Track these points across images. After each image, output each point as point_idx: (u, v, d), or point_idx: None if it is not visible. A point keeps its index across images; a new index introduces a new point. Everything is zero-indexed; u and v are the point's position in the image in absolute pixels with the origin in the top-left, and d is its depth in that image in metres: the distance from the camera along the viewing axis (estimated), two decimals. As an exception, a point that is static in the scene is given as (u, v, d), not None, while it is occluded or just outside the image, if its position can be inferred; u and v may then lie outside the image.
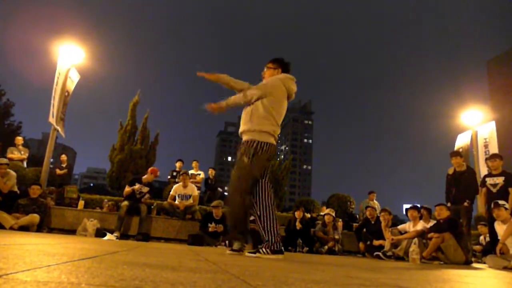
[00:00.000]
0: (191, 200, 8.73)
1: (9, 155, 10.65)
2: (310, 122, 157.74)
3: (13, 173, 7.92)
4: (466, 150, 12.18)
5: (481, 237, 9.74)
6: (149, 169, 8.55)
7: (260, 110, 3.84)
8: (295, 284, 1.45)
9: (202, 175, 11.74)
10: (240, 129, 4.00)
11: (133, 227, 8.10)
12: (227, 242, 6.53)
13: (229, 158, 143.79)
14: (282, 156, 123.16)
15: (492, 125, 11.92)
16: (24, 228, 6.96)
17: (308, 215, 9.68)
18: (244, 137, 3.90)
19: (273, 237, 3.72)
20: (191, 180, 10.06)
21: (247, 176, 3.79)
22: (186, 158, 12.58)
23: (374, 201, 11.43)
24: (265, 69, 4.22)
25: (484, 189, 7.29)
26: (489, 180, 7.21)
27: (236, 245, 3.86)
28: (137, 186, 8.14)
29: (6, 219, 6.93)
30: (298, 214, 8.47)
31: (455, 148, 12.25)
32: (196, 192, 8.99)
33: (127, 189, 8.20)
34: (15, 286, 0.93)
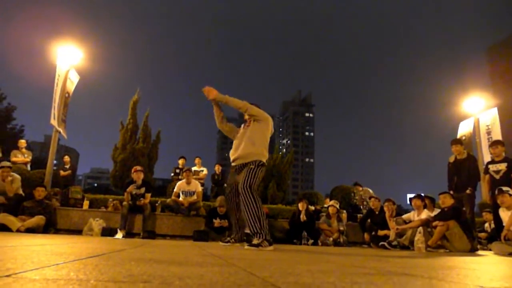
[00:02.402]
0: (195, 197, 8.75)
1: (13, 159, 10.69)
2: (311, 115, 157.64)
3: (17, 176, 7.95)
4: (469, 137, 12.14)
5: (486, 224, 9.74)
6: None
7: (260, 136, 4.64)
8: (302, 275, 1.46)
9: (205, 171, 11.74)
10: (243, 151, 4.60)
11: (138, 226, 8.12)
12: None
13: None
14: (284, 150, 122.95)
15: (494, 112, 11.87)
16: (31, 230, 6.99)
17: (312, 208, 9.68)
18: (251, 158, 4.52)
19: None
20: (194, 176, 10.07)
21: (256, 179, 4.41)
22: (189, 155, 12.60)
23: (363, 188, 11.26)
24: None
25: (487, 176, 7.27)
26: (492, 167, 7.20)
27: (255, 240, 4.12)
28: (130, 188, 8.09)
29: (12, 222, 6.96)
30: (301, 206, 8.46)
31: (458, 136, 12.21)
32: (199, 189, 9.01)
33: (126, 194, 8.16)
34: (24, 284, 0.94)
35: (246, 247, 4.05)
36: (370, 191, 10.96)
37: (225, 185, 12.28)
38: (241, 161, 4.61)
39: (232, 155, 4.74)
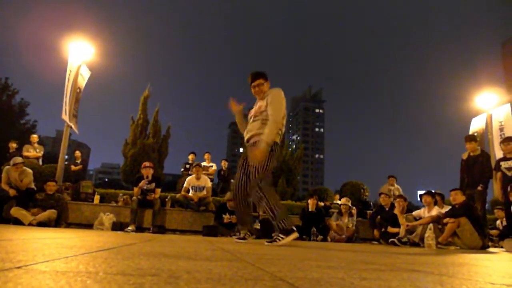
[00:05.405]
0: (204, 192, 8.78)
1: (25, 153, 10.84)
2: (321, 111, 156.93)
3: (29, 170, 8.05)
4: (482, 134, 11.97)
5: (498, 222, 9.62)
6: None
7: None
8: (311, 270, 1.45)
9: (214, 167, 11.79)
10: (254, 132, 4.24)
11: (148, 220, 8.19)
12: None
13: (241, 150, 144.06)
14: (294, 146, 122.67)
15: (508, 108, 11.67)
16: (43, 224, 7.09)
17: (322, 204, 9.66)
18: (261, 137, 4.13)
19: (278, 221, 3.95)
20: (204, 172, 10.11)
21: (269, 169, 4.11)
22: (198, 150, 12.67)
23: (395, 185, 10.99)
24: (256, 88, 4.43)
25: (499, 174, 7.17)
26: (504, 164, 7.09)
27: (242, 233, 4.25)
28: (142, 183, 8.14)
29: (24, 215, 7.07)
30: (311, 202, 8.46)
31: (470, 132, 12.06)
32: (209, 184, 9.04)
33: (135, 189, 8.22)
34: (34, 276, 0.95)
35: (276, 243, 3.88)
36: (399, 189, 10.79)
37: (232, 180, 12.35)
38: (254, 137, 4.26)
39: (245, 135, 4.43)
